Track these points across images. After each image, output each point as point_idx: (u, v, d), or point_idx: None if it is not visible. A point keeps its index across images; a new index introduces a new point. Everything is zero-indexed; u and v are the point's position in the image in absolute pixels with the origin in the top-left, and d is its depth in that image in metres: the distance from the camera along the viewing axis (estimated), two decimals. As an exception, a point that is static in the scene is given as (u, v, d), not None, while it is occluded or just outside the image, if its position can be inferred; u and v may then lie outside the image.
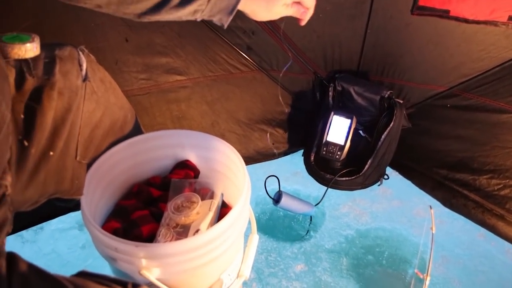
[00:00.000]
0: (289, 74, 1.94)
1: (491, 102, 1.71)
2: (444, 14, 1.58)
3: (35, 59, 1.03)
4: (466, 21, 1.57)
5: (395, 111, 1.85)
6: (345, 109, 2.00)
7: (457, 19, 1.58)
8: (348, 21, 1.72)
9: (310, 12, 1.14)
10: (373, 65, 1.91)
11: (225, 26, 1.01)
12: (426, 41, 1.70)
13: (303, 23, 1.16)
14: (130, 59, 1.70)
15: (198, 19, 0.99)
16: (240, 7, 1.00)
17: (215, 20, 1.00)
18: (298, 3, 1.10)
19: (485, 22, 1.55)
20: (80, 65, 1.14)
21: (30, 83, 1.02)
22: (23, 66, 1.02)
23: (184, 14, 0.94)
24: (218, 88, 1.91)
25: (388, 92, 1.87)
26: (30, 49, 0.97)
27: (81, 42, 1.58)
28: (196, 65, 1.82)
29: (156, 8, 0.90)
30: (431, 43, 1.70)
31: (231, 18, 0.99)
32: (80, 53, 1.16)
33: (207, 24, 1.72)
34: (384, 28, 1.72)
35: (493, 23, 1.54)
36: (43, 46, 1.01)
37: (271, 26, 1.75)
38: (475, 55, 1.66)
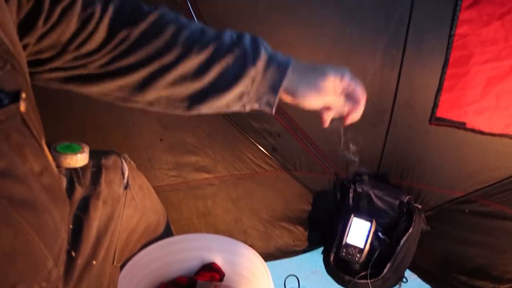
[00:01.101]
0: (311, 174, 2.01)
1: (509, 210, 1.76)
2: (460, 126, 1.69)
3: (83, 168, 1.09)
4: (482, 133, 1.67)
5: (414, 217, 1.90)
6: (365, 211, 2.05)
7: (473, 131, 1.68)
8: (370, 128, 1.83)
9: (360, 109, 1.07)
10: (392, 169, 1.99)
11: (273, 111, 0.97)
12: (444, 149, 1.79)
13: (349, 121, 1.10)
14: (162, 157, 1.79)
15: (247, 107, 0.98)
16: (286, 84, 0.95)
17: (263, 104, 0.97)
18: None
19: (501, 135, 1.65)
20: (123, 174, 1.20)
21: (79, 192, 1.08)
22: (73, 175, 1.09)
23: (231, 99, 0.94)
24: (243, 186, 1.98)
25: (407, 197, 1.92)
26: (80, 159, 1.03)
27: (119, 140, 1.70)
28: (224, 163, 1.91)
29: (203, 96, 0.93)
30: (448, 151, 1.79)
31: (278, 97, 0.96)
32: (123, 161, 1.22)
33: (234, 124, 1.83)
34: (403, 136, 1.82)
35: (508, 136, 1.64)
36: (90, 154, 1.08)
37: (295, 128, 1.86)
38: (491, 164, 1.73)
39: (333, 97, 1.01)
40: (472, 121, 1.67)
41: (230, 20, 1.60)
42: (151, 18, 0.89)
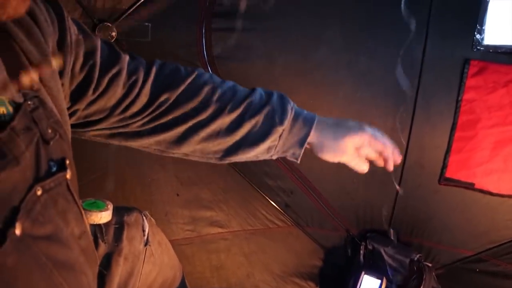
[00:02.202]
0: (322, 231, 2.05)
1: (520, 270, 1.78)
2: (469, 187, 1.73)
3: (107, 224, 1.15)
4: (490, 194, 1.71)
5: (424, 275, 1.91)
6: (375, 268, 2.06)
7: (482, 191, 1.72)
8: (380, 187, 1.87)
9: (391, 160, 1.14)
10: (403, 226, 2.02)
11: (299, 160, 1.05)
12: (454, 208, 1.83)
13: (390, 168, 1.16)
14: (178, 212, 1.84)
15: (274, 157, 1.05)
16: (311, 139, 1.03)
17: (289, 155, 1.05)
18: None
19: (509, 196, 1.69)
20: (143, 230, 1.25)
21: (102, 249, 1.13)
22: (97, 231, 1.14)
23: (260, 152, 1.02)
24: (255, 241, 2.01)
25: (418, 255, 1.94)
26: (104, 216, 1.09)
27: (138, 194, 1.75)
28: (237, 218, 1.95)
29: (234, 149, 1.01)
30: (458, 210, 1.82)
31: (303, 150, 1.03)
32: (144, 218, 1.28)
33: (249, 181, 1.89)
34: (414, 195, 1.86)
35: (517, 197, 1.68)
36: (113, 210, 1.14)
37: (308, 186, 1.91)
38: (501, 224, 1.76)
39: (351, 155, 1.08)
40: (481, 182, 1.72)
41: (248, 83, 1.68)
42: (188, 80, 0.98)
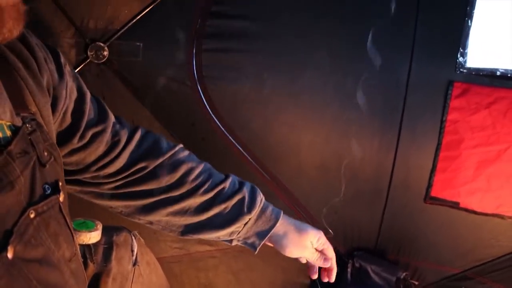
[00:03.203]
0: (310, 249, 2.06)
1: (505, 288, 1.80)
2: (454, 205, 1.76)
3: (95, 244, 1.17)
4: (475, 212, 1.75)
5: (411, 293, 1.93)
6: (362, 286, 2.07)
7: (466, 210, 1.76)
8: (367, 206, 1.90)
9: (334, 269, 1.30)
10: (389, 245, 2.04)
11: (256, 251, 1.14)
12: (439, 226, 1.86)
13: (314, 276, 1.29)
14: (167, 230, 1.84)
15: (233, 243, 1.13)
16: (277, 231, 1.13)
17: (248, 244, 1.14)
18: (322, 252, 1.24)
19: (493, 215, 1.72)
20: (132, 250, 1.27)
21: (91, 269, 1.15)
22: (86, 251, 1.15)
23: (222, 235, 1.09)
24: (243, 259, 2.02)
25: (404, 274, 1.97)
26: (94, 237, 1.11)
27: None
28: (226, 236, 1.96)
29: (198, 228, 1.07)
30: (444, 228, 1.85)
31: (263, 242, 1.13)
32: (133, 238, 1.29)
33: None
34: (400, 213, 1.89)
35: (500, 216, 1.72)
36: (102, 230, 1.16)
37: (296, 204, 1.93)
38: (486, 242, 1.80)
39: (311, 250, 1.19)
40: (465, 201, 1.75)
41: (237, 103, 1.72)
42: (168, 154, 1.02)
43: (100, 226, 1.16)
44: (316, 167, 1.84)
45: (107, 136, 0.95)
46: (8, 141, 0.64)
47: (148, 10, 1.60)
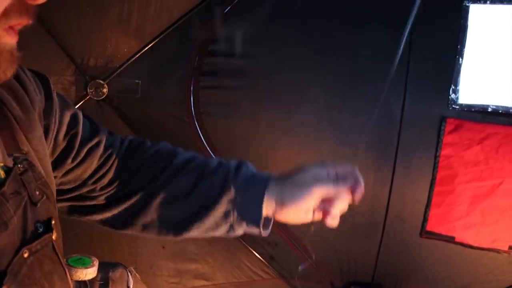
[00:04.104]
0: (307, 283, 2.05)
1: (503, 324, 1.79)
2: (450, 240, 1.77)
3: (92, 280, 1.16)
4: (470, 247, 1.75)
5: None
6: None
7: (462, 244, 1.76)
8: (363, 240, 1.91)
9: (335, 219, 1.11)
10: (386, 279, 2.03)
11: (261, 230, 0.97)
12: (436, 261, 1.86)
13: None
14: (163, 264, 1.85)
15: (235, 227, 0.97)
16: (271, 199, 0.96)
17: (250, 221, 0.97)
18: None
19: (488, 249, 1.73)
20: (128, 286, 1.26)
21: None
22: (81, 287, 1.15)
23: (218, 218, 0.97)
24: (240, 294, 2.01)
25: (402, 308, 1.95)
26: (90, 273, 1.10)
27: (124, 247, 1.76)
28: (222, 271, 1.96)
29: (190, 220, 0.97)
30: (440, 263, 1.86)
31: (262, 212, 0.95)
32: (129, 274, 1.29)
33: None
34: (396, 247, 1.89)
35: (496, 250, 1.72)
36: (99, 265, 1.16)
37: (292, 238, 1.93)
38: (483, 277, 1.80)
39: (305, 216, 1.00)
40: (461, 236, 1.76)
41: (233, 139, 1.74)
42: (151, 150, 1.02)
43: (96, 262, 1.16)
44: (312, 201, 1.86)
45: (101, 150, 0.96)
46: (1, 182, 0.65)
47: (147, 49, 1.64)
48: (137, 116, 1.67)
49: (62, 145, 0.89)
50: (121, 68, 1.65)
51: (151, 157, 1.03)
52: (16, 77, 0.77)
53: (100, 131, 0.98)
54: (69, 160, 0.90)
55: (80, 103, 1.62)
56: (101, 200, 1.00)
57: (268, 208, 0.99)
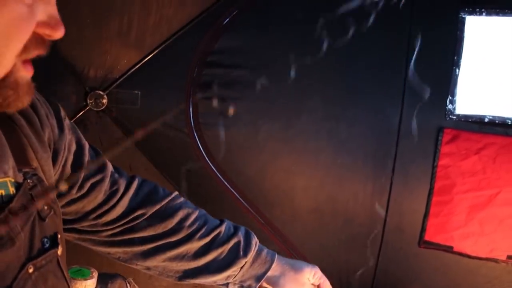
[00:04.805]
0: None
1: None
2: (448, 250, 1.78)
3: None
4: (469, 256, 1.76)
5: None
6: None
7: (460, 254, 1.77)
8: (362, 250, 1.91)
9: None
10: (385, 289, 2.04)
11: None
12: (434, 270, 1.86)
13: None
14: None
15: (230, 286, 1.11)
16: (273, 273, 1.11)
17: (245, 286, 1.11)
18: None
19: (486, 259, 1.74)
20: None
21: None
22: None
23: (219, 279, 1.08)
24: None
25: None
26: (89, 285, 1.12)
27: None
28: (221, 281, 1.95)
29: (195, 273, 1.07)
30: (438, 272, 1.86)
31: (259, 284, 1.10)
32: (128, 285, 1.30)
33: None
34: (395, 257, 1.89)
35: (494, 260, 1.73)
36: (98, 277, 1.17)
37: (292, 249, 1.93)
38: (481, 287, 1.79)
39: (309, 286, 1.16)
40: (459, 245, 1.76)
41: (232, 149, 1.75)
42: (165, 201, 1.05)
43: (95, 274, 1.16)
44: (310, 211, 1.86)
45: (106, 185, 0.97)
46: (10, 198, 0.66)
47: (147, 60, 1.65)
48: (136, 126, 1.68)
49: (68, 172, 0.90)
50: (121, 79, 1.66)
51: (166, 210, 1.06)
52: None
53: (106, 167, 1.00)
54: (74, 190, 0.91)
55: (80, 114, 1.63)
56: (103, 236, 1.02)
57: (265, 281, 1.11)
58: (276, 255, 1.14)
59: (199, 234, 1.05)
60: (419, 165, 1.76)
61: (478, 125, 1.71)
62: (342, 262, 1.97)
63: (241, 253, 1.08)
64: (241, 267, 1.08)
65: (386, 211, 1.81)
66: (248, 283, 1.11)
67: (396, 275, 1.96)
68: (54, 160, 0.84)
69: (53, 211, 0.76)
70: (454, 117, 1.71)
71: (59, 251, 0.76)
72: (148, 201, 1.03)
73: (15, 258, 0.64)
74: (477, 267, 1.77)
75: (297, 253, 1.93)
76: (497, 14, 1.67)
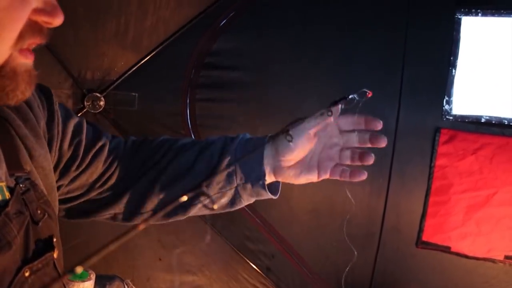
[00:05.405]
0: (303, 294, 2.05)
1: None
2: (445, 250, 1.78)
3: None
4: (466, 257, 1.76)
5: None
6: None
7: (458, 254, 1.77)
8: (360, 250, 1.90)
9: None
10: (383, 289, 2.04)
11: (266, 191, 0.93)
12: (432, 271, 1.86)
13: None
14: (160, 276, 1.84)
15: (242, 194, 0.95)
16: (271, 159, 0.94)
17: (254, 182, 0.94)
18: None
19: (484, 259, 1.74)
20: None
21: None
22: None
23: (221, 180, 0.94)
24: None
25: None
26: (87, 287, 1.12)
27: (120, 260, 1.76)
28: (219, 282, 1.95)
29: (196, 184, 0.94)
30: (436, 273, 1.86)
31: (263, 168, 0.93)
32: (126, 286, 1.30)
33: (231, 245, 1.91)
34: (392, 258, 1.90)
35: (491, 260, 1.73)
36: (96, 279, 1.16)
37: (289, 250, 1.93)
38: (478, 287, 1.80)
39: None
40: (456, 246, 1.77)
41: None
42: (154, 143, 1.03)
43: (93, 276, 1.17)
44: (308, 212, 1.87)
45: (105, 154, 0.96)
46: (6, 203, 0.66)
47: (144, 62, 1.66)
48: (134, 128, 1.68)
49: (67, 154, 0.90)
50: (118, 81, 1.66)
51: (154, 148, 1.04)
52: None
53: (103, 135, 0.99)
54: (74, 168, 0.91)
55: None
56: (109, 196, 1.00)
57: (269, 165, 0.94)
58: (268, 136, 0.96)
59: (186, 147, 0.99)
60: (416, 166, 1.77)
61: (474, 125, 1.72)
62: (339, 262, 1.98)
63: (228, 141, 0.96)
64: (235, 156, 0.93)
65: (384, 212, 1.81)
66: (254, 174, 0.93)
67: (393, 276, 1.96)
68: (50, 147, 0.84)
69: (47, 215, 0.76)
70: (451, 118, 1.72)
71: (55, 254, 0.76)
72: (141, 151, 1.01)
73: (12, 261, 0.64)
74: (474, 267, 1.78)
75: (294, 253, 1.94)
76: (492, 14, 1.68)
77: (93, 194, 0.98)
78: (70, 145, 0.91)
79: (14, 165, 0.73)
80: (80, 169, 0.93)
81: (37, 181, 0.77)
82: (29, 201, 0.71)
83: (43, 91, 0.86)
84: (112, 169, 0.99)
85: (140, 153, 1.02)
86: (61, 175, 0.91)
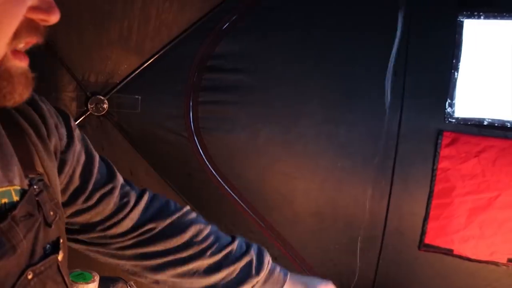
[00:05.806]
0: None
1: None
2: (448, 253, 1.78)
3: None
4: (469, 259, 1.76)
5: None
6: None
7: (460, 257, 1.77)
8: (362, 253, 1.91)
9: None
10: (386, 292, 2.04)
11: None
12: (434, 274, 1.86)
13: None
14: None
15: None
16: None
17: None
18: None
19: (486, 262, 1.74)
20: None
21: None
22: None
23: None
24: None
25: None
26: None
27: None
28: (222, 285, 1.95)
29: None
30: (438, 276, 1.86)
31: None
32: None
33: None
34: (395, 260, 1.90)
35: (494, 263, 1.73)
36: (99, 280, 1.17)
37: (292, 253, 1.93)
38: (481, 290, 1.80)
39: None
40: (459, 248, 1.77)
41: (232, 153, 1.76)
42: (176, 215, 1.03)
43: (97, 278, 1.17)
44: (311, 215, 1.87)
45: (115, 197, 0.96)
46: (13, 206, 0.66)
47: (147, 65, 1.67)
48: (137, 131, 1.69)
49: (76, 183, 0.90)
50: (121, 84, 1.67)
51: (177, 225, 1.04)
52: (36, 108, 0.78)
53: (116, 178, 0.98)
54: (80, 201, 0.90)
55: (81, 119, 1.64)
56: (112, 249, 1.00)
57: None
58: (289, 273, 1.10)
59: (210, 251, 1.02)
60: (419, 168, 1.77)
61: (477, 128, 1.71)
62: (342, 265, 1.98)
63: (253, 271, 1.04)
64: (253, 286, 1.05)
65: (386, 215, 1.81)
66: None
67: (396, 279, 1.96)
68: (61, 170, 0.84)
69: (58, 216, 0.76)
70: (453, 120, 1.72)
71: (60, 257, 0.76)
72: (159, 215, 1.01)
73: (16, 265, 0.64)
74: (477, 270, 1.77)
75: (297, 256, 1.94)
76: (495, 17, 1.68)
77: (92, 236, 0.97)
78: (80, 176, 0.91)
79: (28, 166, 0.73)
80: (86, 205, 0.92)
81: (49, 183, 0.78)
82: (43, 202, 0.72)
83: (62, 115, 0.87)
84: (121, 217, 0.97)
85: (160, 220, 1.02)
86: (68, 204, 0.90)
